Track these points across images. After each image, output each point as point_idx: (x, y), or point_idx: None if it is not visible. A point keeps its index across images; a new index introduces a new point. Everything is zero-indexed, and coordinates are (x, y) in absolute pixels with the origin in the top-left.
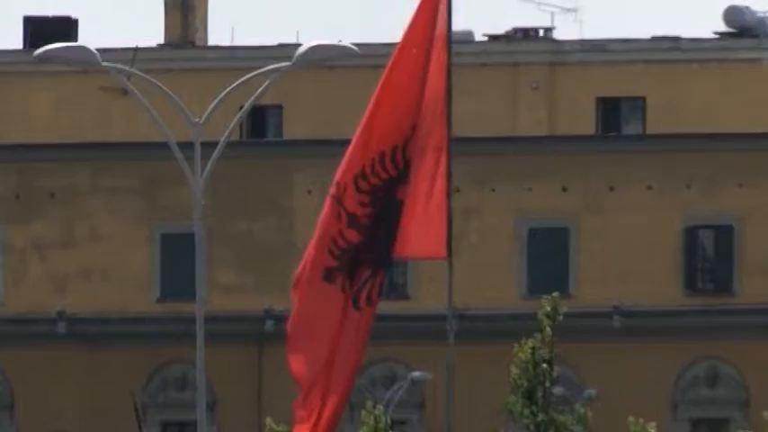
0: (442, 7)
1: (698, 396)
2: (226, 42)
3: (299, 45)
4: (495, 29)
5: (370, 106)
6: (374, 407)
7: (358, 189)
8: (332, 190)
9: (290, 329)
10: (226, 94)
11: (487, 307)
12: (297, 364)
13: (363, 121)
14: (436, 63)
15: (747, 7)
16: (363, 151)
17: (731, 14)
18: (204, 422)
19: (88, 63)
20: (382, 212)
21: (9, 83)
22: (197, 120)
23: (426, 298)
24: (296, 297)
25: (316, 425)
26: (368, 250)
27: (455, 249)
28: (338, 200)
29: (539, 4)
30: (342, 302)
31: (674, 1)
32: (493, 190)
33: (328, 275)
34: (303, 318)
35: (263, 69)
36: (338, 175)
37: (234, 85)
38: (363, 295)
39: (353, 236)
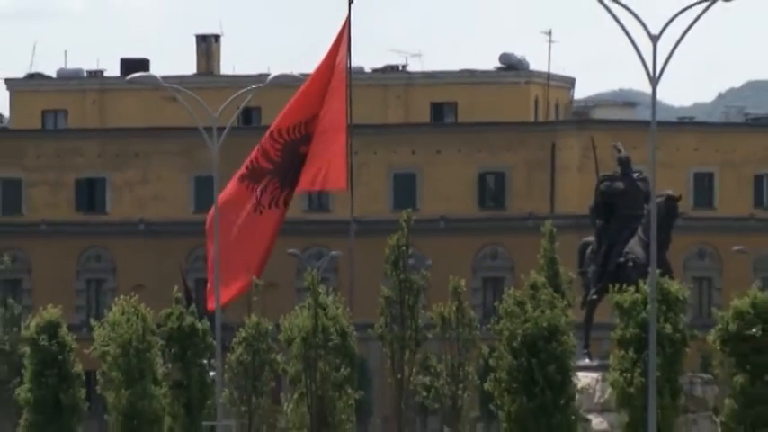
0: (342, 50)
1: (486, 265)
2: (230, 72)
3: (269, 74)
4: (375, 65)
5: (293, 98)
6: (311, 271)
7: (273, 138)
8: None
9: (210, 222)
10: (230, 101)
11: (372, 216)
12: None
13: (288, 104)
14: (335, 83)
15: (513, 54)
16: (283, 119)
17: (504, 57)
18: (218, 280)
19: (155, 84)
20: (288, 157)
21: (111, 95)
22: (215, 114)
23: (339, 210)
24: (222, 199)
25: (238, 286)
26: (276, 175)
27: (355, 185)
28: (260, 141)
29: (399, 51)
30: (249, 201)
31: (473, 47)
32: (375, 153)
33: (241, 179)
34: (224, 212)
35: (249, 87)
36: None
37: (234, 96)
38: (274, 201)
39: (264, 163)
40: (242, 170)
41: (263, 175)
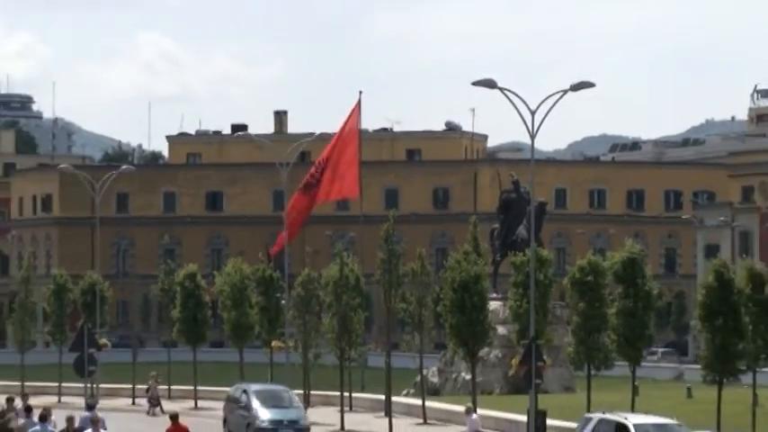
0: (353, 119)
1: (438, 241)
2: (293, 131)
3: (315, 133)
4: (374, 127)
5: (327, 148)
6: (338, 244)
7: (315, 166)
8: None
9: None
10: (292, 148)
11: (372, 212)
12: (288, 220)
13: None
14: (349, 136)
15: (453, 121)
16: (321, 156)
17: (448, 123)
18: (285, 254)
19: (251, 138)
20: (320, 174)
21: (226, 145)
22: (284, 156)
23: (354, 209)
24: (294, 202)
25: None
26: (316, 186)
27: (363, 194)
28: (312, 169)
29: (387, 119)
30: (302, 199)
31: (430, 116)
32: (374, 177)
33: (299, 191)
34: (293, 206)
35: (303, 140)
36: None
37: (294, 145)
38: (312, 198)
39: (310, 179)
40: (300, 185)
41: (311, 187)
